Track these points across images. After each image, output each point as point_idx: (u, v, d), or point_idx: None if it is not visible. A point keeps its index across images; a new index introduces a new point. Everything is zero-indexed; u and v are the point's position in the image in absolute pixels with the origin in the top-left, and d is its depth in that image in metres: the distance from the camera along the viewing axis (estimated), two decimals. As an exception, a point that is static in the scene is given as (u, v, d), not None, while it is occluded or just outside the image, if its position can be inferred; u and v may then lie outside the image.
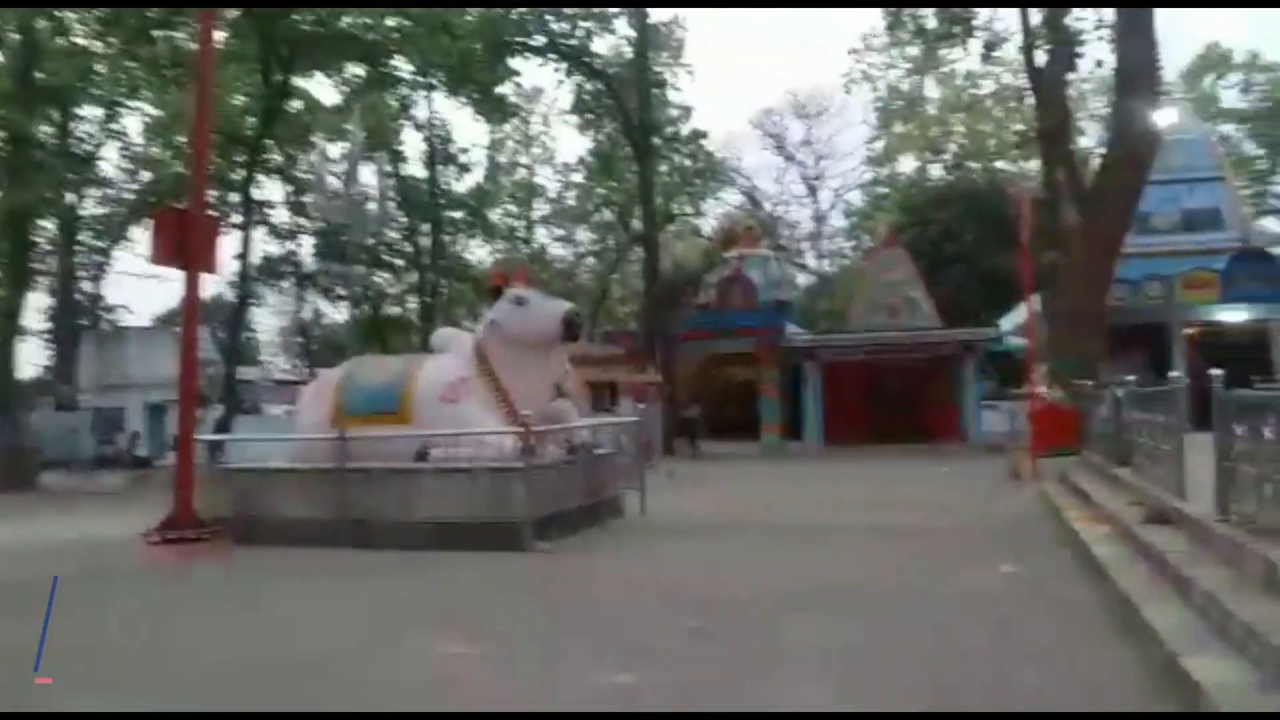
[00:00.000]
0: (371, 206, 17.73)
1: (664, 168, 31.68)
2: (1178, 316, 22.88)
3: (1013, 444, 17.00)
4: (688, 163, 33.60)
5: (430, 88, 34.34)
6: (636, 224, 37.46)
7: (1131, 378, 10.17)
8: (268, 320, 47.72)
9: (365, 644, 6.03)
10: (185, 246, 10.05)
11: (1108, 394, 11.42)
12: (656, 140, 29.56)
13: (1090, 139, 36.79)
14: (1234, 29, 63.73)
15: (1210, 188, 26.21)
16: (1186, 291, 22.43)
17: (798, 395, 25.44)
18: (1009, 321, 25.74)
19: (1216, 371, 6.63)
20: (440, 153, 37.56)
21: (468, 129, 44.87)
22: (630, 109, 27.85)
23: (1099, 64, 16.78)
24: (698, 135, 33.38)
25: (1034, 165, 43.22)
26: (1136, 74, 15.71)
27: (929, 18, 22.91)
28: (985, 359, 25.84)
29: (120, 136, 32.11)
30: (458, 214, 39.70)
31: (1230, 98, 46.98)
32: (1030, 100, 24.02)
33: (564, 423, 11.01)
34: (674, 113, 35.33)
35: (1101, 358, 16.65)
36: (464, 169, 39.82)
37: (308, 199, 30.41)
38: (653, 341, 24.97)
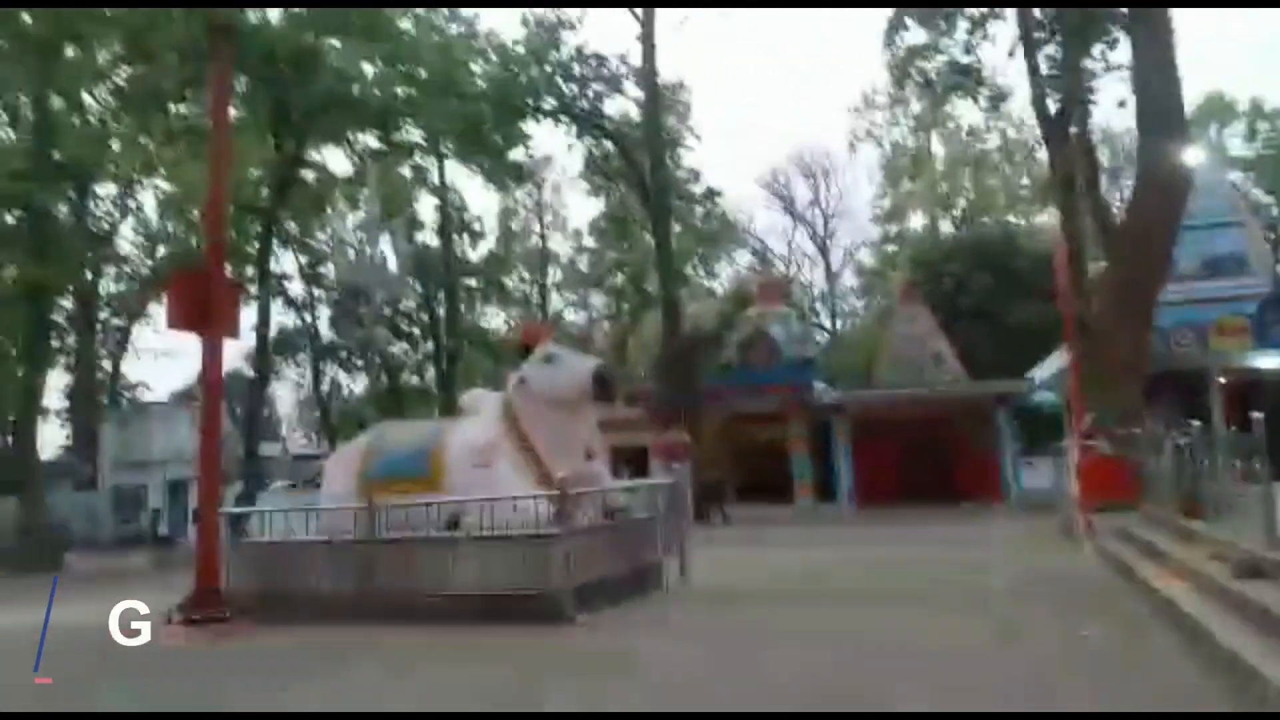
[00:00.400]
0: (391, 271, 17.54)
1: (678, 228, 31.59)
2: (1211, 363, 22.33)
3: (1064, 500, 16.35)
4: (701, 224, 33.56)
5: (441, 156, 34.58)
6: (649, 288, 37.41)
7: (1195, 424, 9.69)
8: (285, 394, 47.65)
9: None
10: (205, 310, 9.74)
11: (1168, 443, 10.93)
12: (674, 200, 29.54)
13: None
14: (1235, 78, 64.03)
15: (1232, 232, 25.84)
16: (1219, 338, 21.94)
17: (827, 455, 24.85)
18: (1040, 374, 25.25)
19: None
20: (454, 221, 37.67)
21: (480, 196, 45.24)
22: (644, 170, 27.82)
23: (1121, 104, 16.54)
24: (712, 193, 33.39)
25: (1042, 219, 43.73)
26: (1161, 111, 15.46)
27: (935, 71, 22.85)
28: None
29: (136, 213, 32.40)
30: (472, 281, 39.75)
31: (1234, 146, 46.90)
32: (1042, 153, 23.95)
33: (598, 485, 10.58)
34: (683, 175, 35.47)
35: (1141, 407, 16.12)
36: (477, 236, 39.95)
37: (325, 268, 30.45)
38: (676, 402, 24.49)
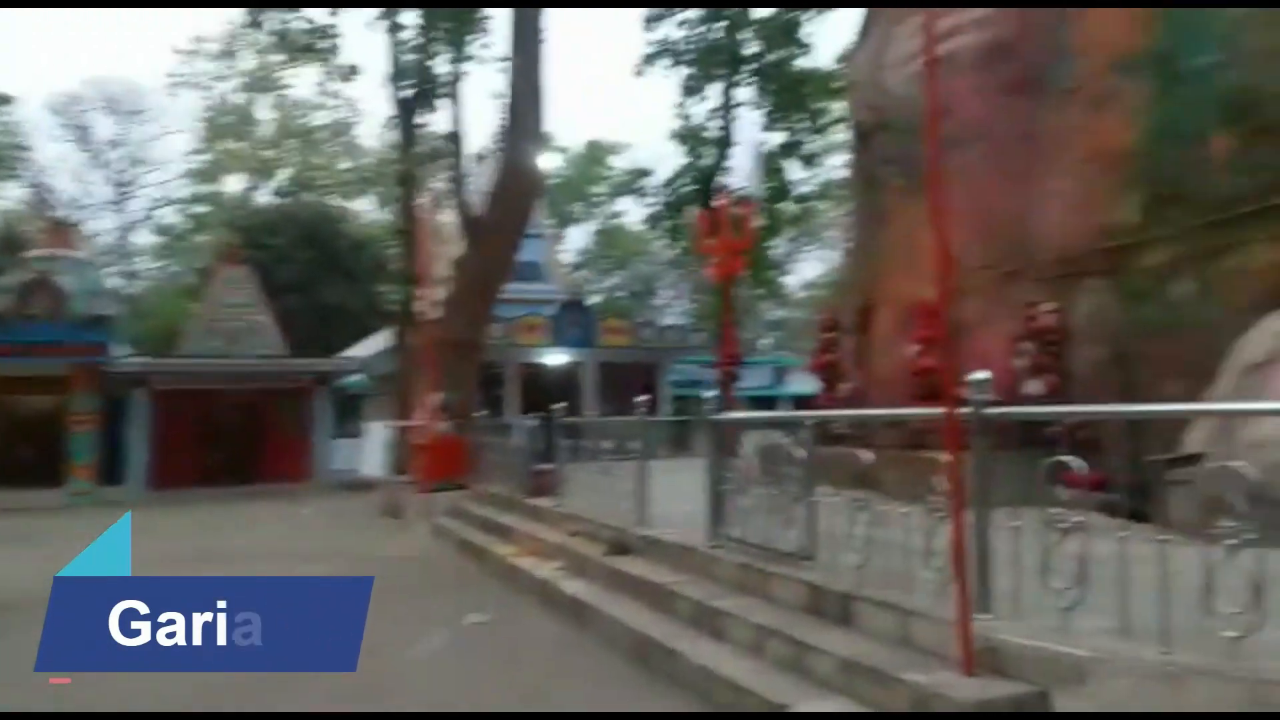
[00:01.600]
0: None
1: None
2: (512, 356, 24.72)
3: (388, 479, 16.19)
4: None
5: None
6: None
7: (561, 406, 10.07)
8: None
9: None
10: None
11: (516, 424, 11.29)
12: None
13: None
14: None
15: (536, 243, 29.14)
16: (526, 334, 24.37)
17: (118, 431, 21.19)
18: (358, 354, 25.25)
19: (714, 394, 6.66)
20: None
21: None
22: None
23: (499, 97, 17.16)
24: (4, 99, 26.61)
25: (361, 203, 44.52)
26: (526, 113, 16.42)
27: (295, 21, 21.24)
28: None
29: None
30: None
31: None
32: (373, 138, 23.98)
33: None
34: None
35: (476, 389, 16.87)
36: None
37: None
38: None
